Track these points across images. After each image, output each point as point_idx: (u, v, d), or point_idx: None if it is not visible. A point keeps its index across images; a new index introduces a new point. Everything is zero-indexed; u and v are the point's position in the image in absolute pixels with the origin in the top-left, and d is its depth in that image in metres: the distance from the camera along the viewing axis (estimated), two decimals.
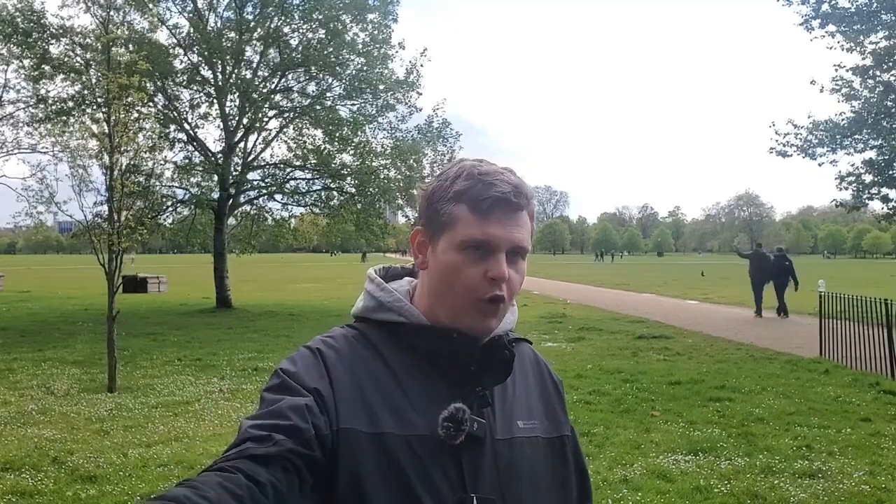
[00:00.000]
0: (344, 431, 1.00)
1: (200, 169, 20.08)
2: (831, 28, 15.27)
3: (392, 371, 1.08)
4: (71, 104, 17.76)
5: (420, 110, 20.99)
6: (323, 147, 20.42)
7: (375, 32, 19.93)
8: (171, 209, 21.11)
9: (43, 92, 18.09)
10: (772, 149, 16.61)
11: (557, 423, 1.20)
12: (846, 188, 16.50)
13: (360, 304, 1.18)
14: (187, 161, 20.21)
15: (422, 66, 20.19)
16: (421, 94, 20.44)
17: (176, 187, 20.11)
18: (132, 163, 8.96)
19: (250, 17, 20.07)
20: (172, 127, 19.65)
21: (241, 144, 20.89)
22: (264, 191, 21.58)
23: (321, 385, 1.02)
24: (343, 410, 1.02)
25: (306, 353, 1.08)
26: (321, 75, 20.34)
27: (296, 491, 0.91)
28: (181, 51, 19.82)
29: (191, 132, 20.34)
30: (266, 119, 20.91)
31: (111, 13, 12.20)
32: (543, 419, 1.18)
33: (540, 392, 1.22)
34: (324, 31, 19.50)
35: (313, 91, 20.92)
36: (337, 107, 20.62)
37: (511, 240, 1.07)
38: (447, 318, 1.10)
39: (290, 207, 22.60)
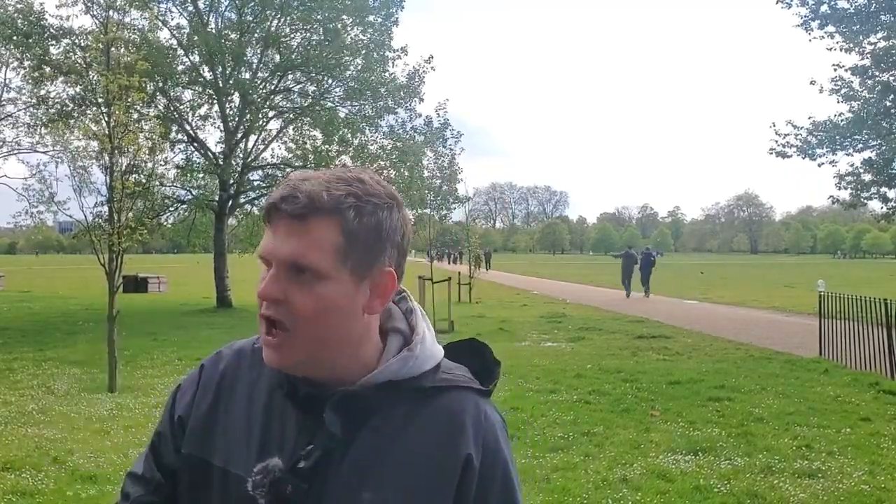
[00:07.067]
0: (182, 456, 0.99)
1: (201, 173, 20.10)
2: (830, 29, 15.30)
3: (262, 394, 0.97)
4: (72, 105, 17.77)
5: (421, 116, 21.00)
6: (322, 148, 20.45)
7: (376, 35, 19.94)
8: (171, 209, 21.16)
9: (43, 93, 18.12)
10: (771, 149, 16.63)
11: None
12: (845, 188, 16.53)
13: None
14: (188, 162, 20.25)
15: (425, 73, 20.17)
16: (423, 100, 20.43)
17: (177, 188, 20.17)
18: (132, 163, 8.97)
19: (250, 18, 20.09)
20: (174, 128, 19.67)
21: (242, 145, 20.92)
22: (265, 191, 21.60)
23: (186, 410, 1.02)
24: (190, 434, 0.99)
25: (198, 366, 1.06)
26: (321, 77, 20.36)
27: None
28: (182, 52, 19.85)
29: (192, 133, 20.39)
30: (266, 120, 20.94)
31: (111, 13, 12.21)
32: (412, 497, 0.91)
33: (429, 465, 0.92)
34: (324, 33, 19.51)
35: (312, 92, 20.94)
36: (337, 108, 20.64)
37: (276, 253, 0.88)
38: None
39: None
